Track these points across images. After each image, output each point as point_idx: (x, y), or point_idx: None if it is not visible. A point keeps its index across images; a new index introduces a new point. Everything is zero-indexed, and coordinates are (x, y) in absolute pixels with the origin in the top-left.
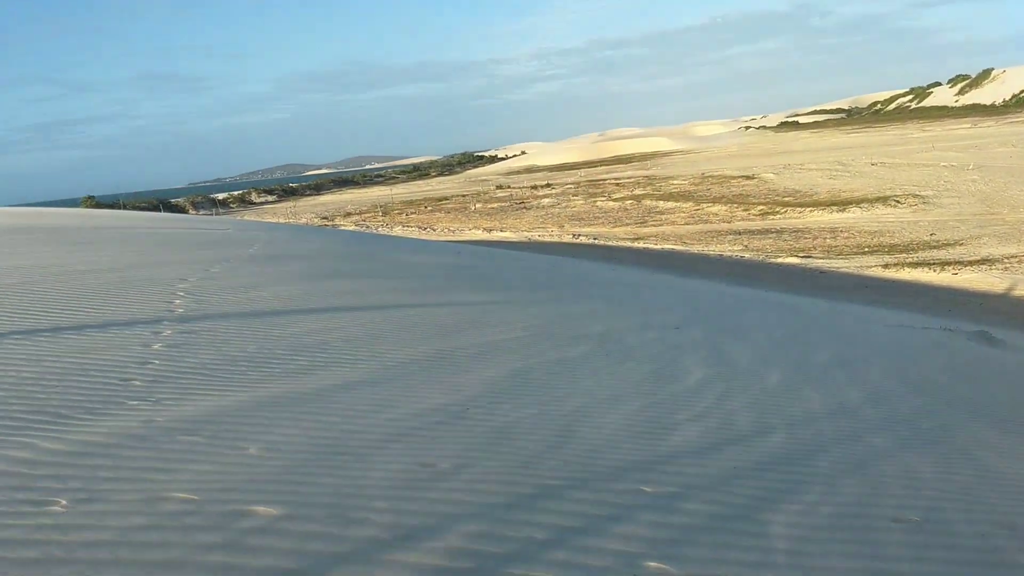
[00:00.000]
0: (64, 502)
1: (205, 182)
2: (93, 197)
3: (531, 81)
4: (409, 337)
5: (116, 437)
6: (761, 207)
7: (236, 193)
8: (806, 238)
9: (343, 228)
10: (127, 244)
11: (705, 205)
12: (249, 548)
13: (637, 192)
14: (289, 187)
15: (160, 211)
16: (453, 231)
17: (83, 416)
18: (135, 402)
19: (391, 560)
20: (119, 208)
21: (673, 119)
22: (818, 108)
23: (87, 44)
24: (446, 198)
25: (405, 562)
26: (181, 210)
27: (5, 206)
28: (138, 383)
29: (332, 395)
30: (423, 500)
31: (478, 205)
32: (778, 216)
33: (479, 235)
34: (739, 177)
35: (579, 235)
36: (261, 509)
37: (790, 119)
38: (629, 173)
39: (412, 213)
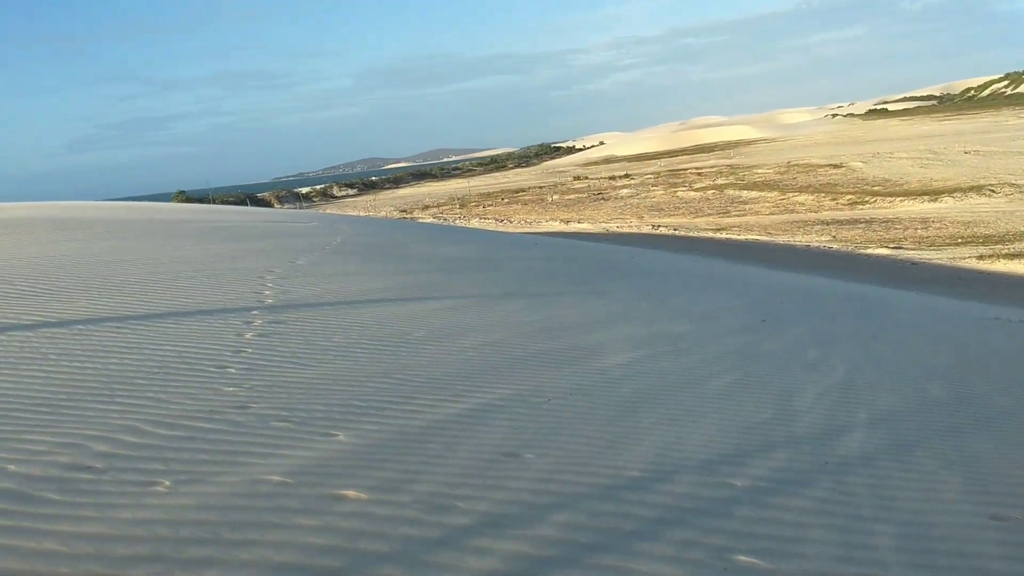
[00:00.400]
0: (167, 483)
1: (288, 176)
2: (184, 192)
3: (608, 71)
4: (492, 328)
5: (215, 422)
6: (849, 196)
7: (318, 187)
8: (896, 228)
9: (421, 220)
10: (217, 237)
11: (791, 194)
12: (342, 531)
13: (720, 182)
14: (369, 181)
15: (247, 205)
16: (530, 223)
17: (183, 401)
18: (231, 388)
19: (479, 547)
20: (209, 202)
21: (757, 107)
22: (908, 95)
23: (174, 43)
24: (523, 190)
25: (493, 549)
26: (266, 204)
27: (99, 200)
28: (233, 370)
29: (415, 385)
30: (508, 489)
31: (555, 196)
32: (867, 206)
33: (556, 227)
34: (826, 166)
35: (659, 226)
36: (352, 494)
37: (879, 106)
38: (711, 162)
39: (489, 205)
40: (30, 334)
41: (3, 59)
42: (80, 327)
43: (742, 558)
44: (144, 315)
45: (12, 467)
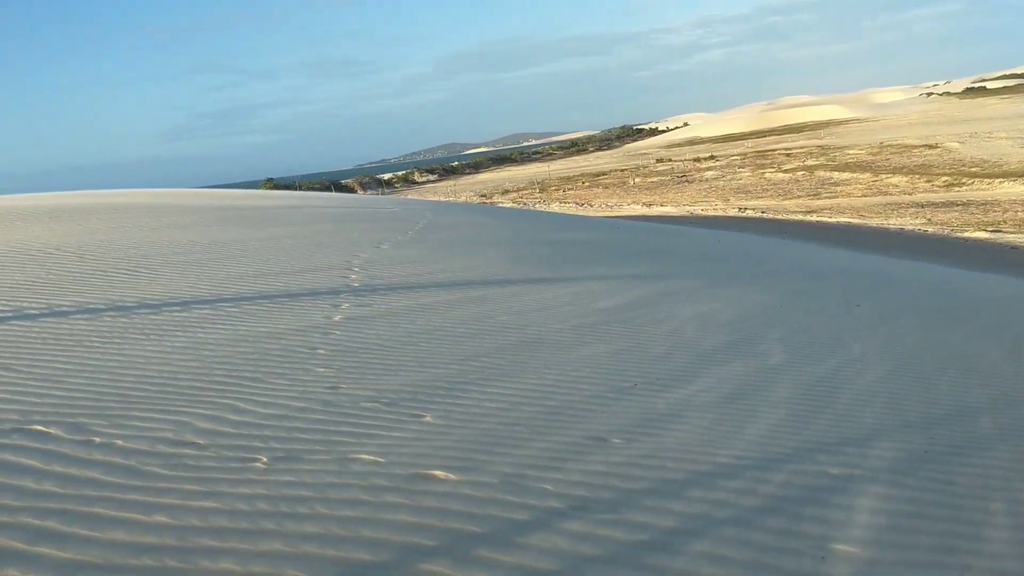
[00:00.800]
0: (265, 459)
1: (371, 163)
2: (272, 179)
3: (694, 50)
4: (574, 313)
5: (308, 401)
6: (945, 178)
7: (400, 173)
8: (995, 211)
9: (500, 205)
10: (304, 222)
11: (884, 176)
12: (432, 510)
13: (809, 163)
14: (449, 166)
15: (331, 191)
16: (611, 206)
17: (277, 381)
18: (321, 369)
19: (568, 529)
20: (295, 189)
21: (848, 86)
22: (1008, 72)
23: (264, 32)
24: (604, 173)
25: (582, 532)
26: (350, 190)
27: (190, 188)
28: (323, 352)
29: (500, 368)
30: (596, 473)
31: (637, 179)
32: (964, 188)
33: (638, 210)
34: (921, 146)
35: (745, 208)
36: (440, 474)
37: (976, 84)
38: (800, 143)
39: (569, 189)
40: (133, 316)
41: (105, 51)
42: (178, 309)
43: (840, 547)
44: (237, 298)
45: (119, 442)
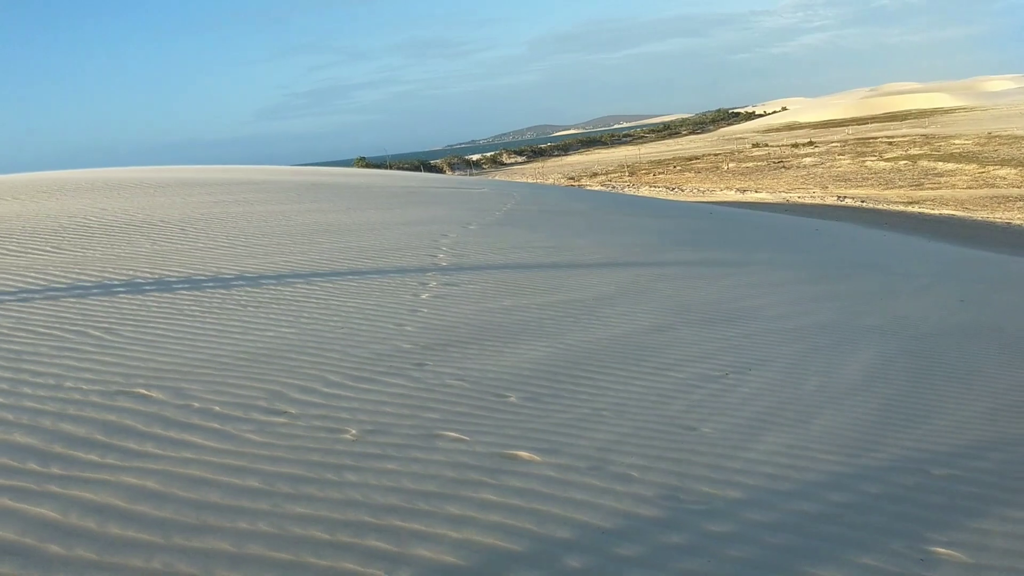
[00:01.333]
0: (353, 431)
1: (460, 144)
2: (364, 158)
3: (795, 33)
4: (656, 298)
5: (395, 376)
6: None
7: (488, 154)
8: None
9: (588, 188)
10: (395, 201)
11: (992, 168)
12: (516, 490)
13: (913, 152)
14: (537, 148)
15: (421, 171)
16: (703, 191)
17: (365, 355)
18: (408, 346)
19: (652, 516)
20: (386, 168)
21: (955, 73)
22: None
23: (362, 14)
24: (697, 157)
25: (665, 519)
26: (439, 170)
27: (285, 165)
28: (410, 328)
29: (586, 351)
30: (686, 462)
31: (731, 165)
32: None
33: (732, 196)
34: None
35: (844, 197)
36: (524, 454)
37: None
38: (904, 131)
39: (660, 173)
40: (232, 287)
41: (206, 31)
42: (273, 282)
43: (939, 550)
44: (329, 272)
45: (216, 408)
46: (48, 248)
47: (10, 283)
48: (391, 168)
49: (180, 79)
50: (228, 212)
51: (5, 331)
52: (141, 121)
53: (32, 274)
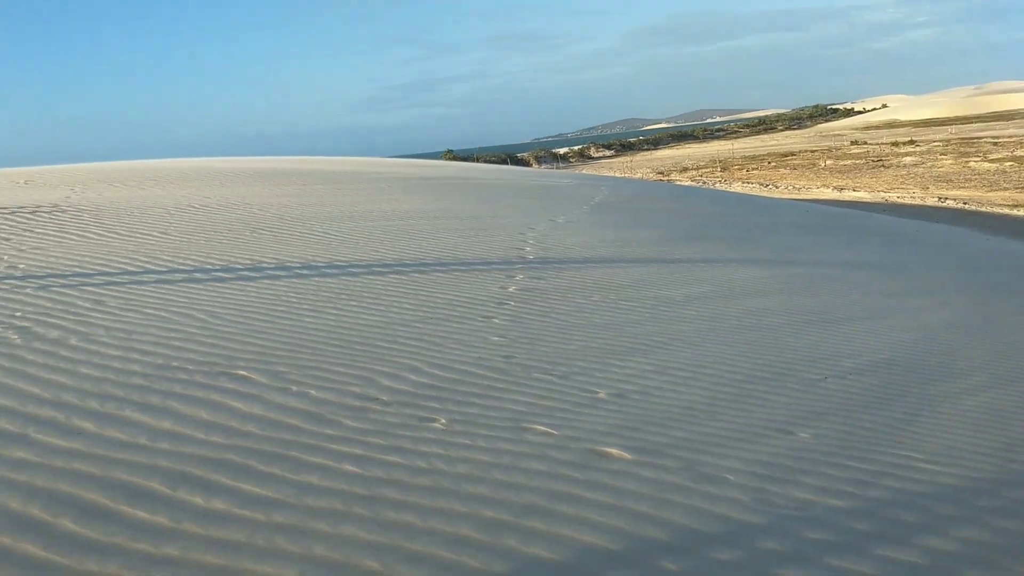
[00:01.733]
0: (443, 421)
1: (548, 137)
2: (452, 151)
3: (898, 29)
4: (748, 295)
5: (483, 368)
6: None
7: (576, 148)
8: None
9: (678, 183)
10: (482, 193)
11: None
12: (607, 487)
13: (1019, 153)
14: (626, 142)
15: (507, 164)
16: (798, 188)
17: (454, 346)
18: (496, 338)
19: (748, 521)
20: (474, 161)
21: None
22: None
23: (454, 7)
24: (792, 153)
25: (762, 524)
26: (525, 164)
27: (376, 157)
28: (497, 321)
29: (676, 349)
30: (780, 467)
31: (828, 162)
32: None
33: (828, 194)
34: None
35: (945, 199)
36: (615, 452)
37: None
38: (1010, 131)
39: (753, 169)
40: (324, 274)
41: (306, 24)
42: (363, 271)
43: None
44: (418, 263)
45: (313, 392)
46: (155, 233)
47: (121, 265)
48: (478, 161)
49: (280, 72)
50: (323, 202)
51: (117, 311)
52: (241, 113)
53: (141, 258)
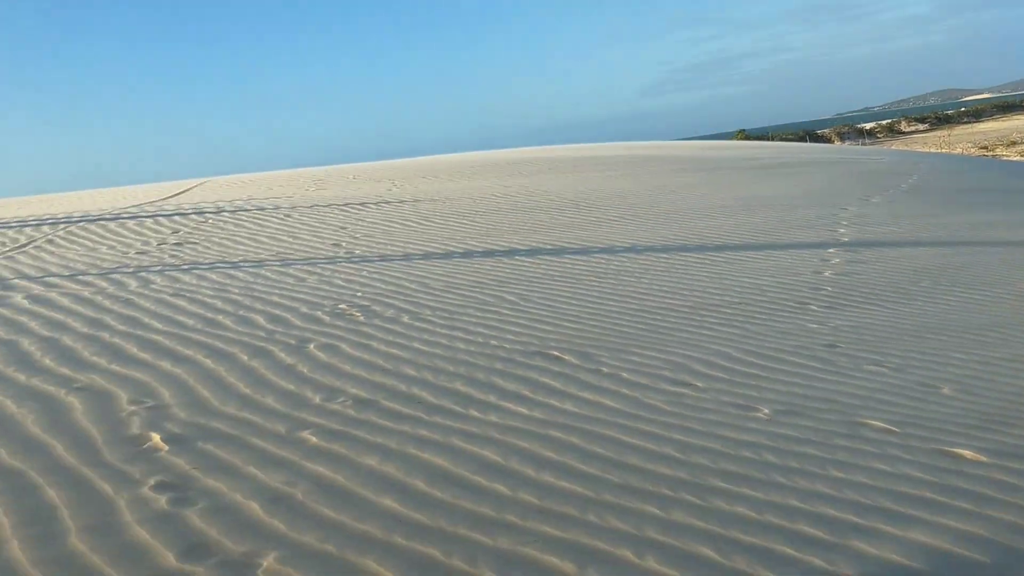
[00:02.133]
0: (766, 411)
1: (852, 112)
2: (744, 130)
3: None
4: None
5: (804, 357)
6: None
7: (883, 122)
8: None
9: (1005, 158)
10: (783, 173)
11: None
12: (962, 492)
13: None
14: (942, 114)
15: (805, 142)
16: None
17: (768, 333)
18: (814, 326)
19: None
20: (768, 140)
21: None
22: None
23: None
24: None
25: None
26: (826, 140)
27: (664, 141)
28: (814, 307)
29: (1013, 346)
30: None
31: None
32: None
33: None
34: None
35: None
36: (968, 453)
37: None
38: None
39: None
40: (622, 257)
41: (588, 14)
42: (664, 254)
43: None
44: (720, 246)
45: (624, 374)
46: (465, 221)
47: (437, 249)
48: (773, 140)
49: (566, 63)
50: (616, 187)
51: (439, 292)
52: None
53: (453, 243)
